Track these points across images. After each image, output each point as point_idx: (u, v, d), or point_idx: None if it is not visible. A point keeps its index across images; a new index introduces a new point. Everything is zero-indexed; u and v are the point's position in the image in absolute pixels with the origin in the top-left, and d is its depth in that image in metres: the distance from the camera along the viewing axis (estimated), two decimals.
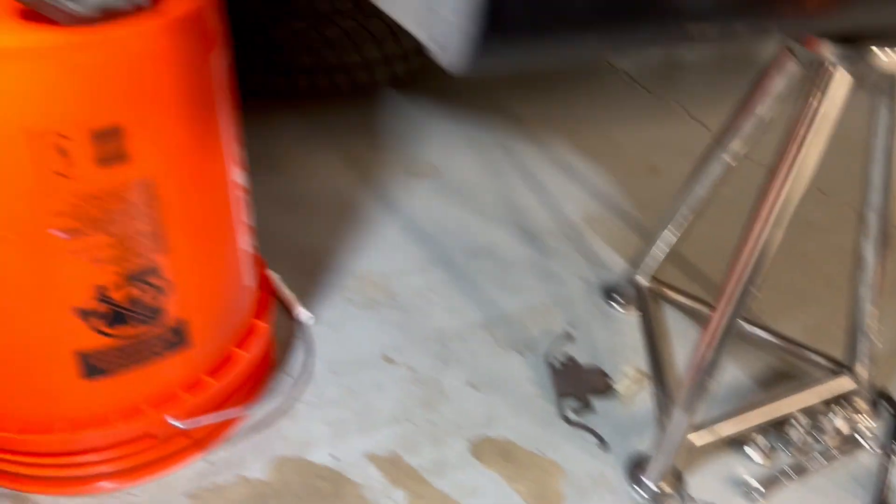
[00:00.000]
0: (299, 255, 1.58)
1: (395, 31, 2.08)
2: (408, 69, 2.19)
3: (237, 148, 1.08)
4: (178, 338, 1.04)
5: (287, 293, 1.45)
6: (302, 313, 1.42)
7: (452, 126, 2.11)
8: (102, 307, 0.94)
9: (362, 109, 2.16)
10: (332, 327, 1.42)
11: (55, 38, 0.78)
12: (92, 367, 0.98)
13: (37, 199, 0.84)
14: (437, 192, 1.84)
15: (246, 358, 1.17)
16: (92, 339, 0.96)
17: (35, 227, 0.86)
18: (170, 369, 1.06)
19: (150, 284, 0.97)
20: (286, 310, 1.44)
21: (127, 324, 0.98)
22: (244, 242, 1.15)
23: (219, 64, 0.97)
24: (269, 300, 1.28)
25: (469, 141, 2.05)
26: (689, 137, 2.13)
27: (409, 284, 1.54)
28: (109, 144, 0.85)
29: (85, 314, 0.94)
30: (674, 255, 1.52)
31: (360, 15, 2.00)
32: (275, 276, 1.45)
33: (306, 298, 1.47)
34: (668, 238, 1.40)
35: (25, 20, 0.80)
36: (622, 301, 1.52)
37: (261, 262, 1.32)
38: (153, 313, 0.99)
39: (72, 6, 0.77)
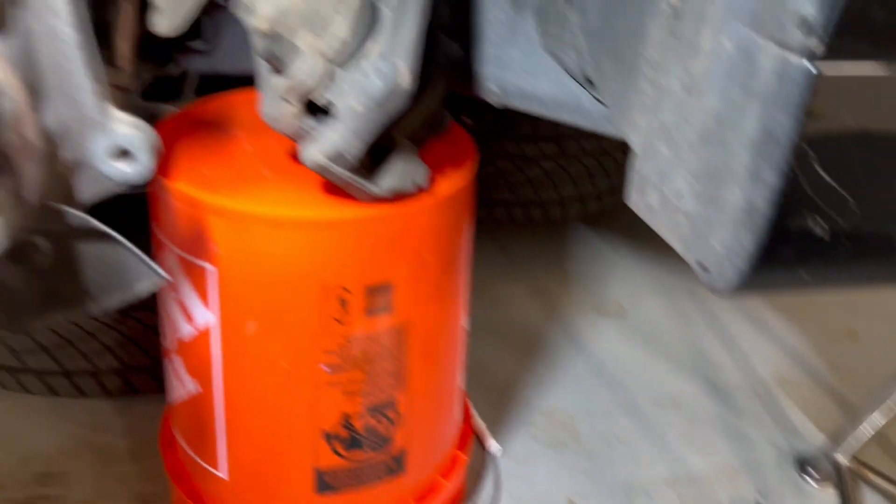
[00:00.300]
0: (488, 385, 1.67)
1: (591, 173, 2.20)
2: (600, 207, 2.29)
3: (468, 291, 1.20)
4: (397, 465, 1.15)
5: (480, 424, 1.53)
6: (493, 445, 1.49)
7: (642, 266, 2.16)
8: (344, 432, 1.07)
9: (553, 242, 2.27)
10: (517, 462, 1.48)
11: (353, 211, 0.94)
12: (325, 483, 1.10)
13: (315, 339, 0.98)
14: (623, 333, 1.88)
15: (449, 488, 1.25)
16: (330, 459, 1.08)
17: (308, 361, 1.00)
18: (385, 492, 1.16)
19: (386, 416, 1.09)
20: (477, 439, 1.52)
21: (360, 448, 1.09)
22: (461, 377, 1.26)
23: (470, 227, 1.11)
24: (469, 432, 1.37)
25: (658, 283, 2.09)
26: (892, 301, 2.04)
27: (596, 427, 1.58)
28: (379, 298, 0.99)
29: (329, 437, 1.07)
30: (880, 437, 1.45)
31: (562, 158, 2.14)
32: (471, 407, 1.54)
33: (493, 430, 1.54)
34: (875, 420, 1.36)
35: (328, 193, 0.97)
36: (817, 476, 1.47)
37: (464, 394, 1.42)
38: (383, 442, 1.11)
39: (371, 188, 0.92)
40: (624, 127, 0.86)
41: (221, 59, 1.22)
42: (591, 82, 0.97)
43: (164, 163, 0.99)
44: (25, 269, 0.71)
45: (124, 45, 1.01)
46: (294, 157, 1.05)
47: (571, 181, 2.20)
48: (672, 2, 0.75)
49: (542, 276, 2.09)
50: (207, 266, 0.96)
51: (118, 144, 0.72)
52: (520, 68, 1.06)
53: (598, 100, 0.99)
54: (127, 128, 0.72)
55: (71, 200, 0.74)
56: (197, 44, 1.18)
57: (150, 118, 1.22)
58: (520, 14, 1.05)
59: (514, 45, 1.06)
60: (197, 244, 0.96)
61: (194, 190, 0.94)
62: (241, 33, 1.14)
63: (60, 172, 0.71)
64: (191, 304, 1.00)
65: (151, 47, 1.15)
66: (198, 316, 1.00)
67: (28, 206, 0.58)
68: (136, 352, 1.47)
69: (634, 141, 0.83)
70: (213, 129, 1.11)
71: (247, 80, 1.21)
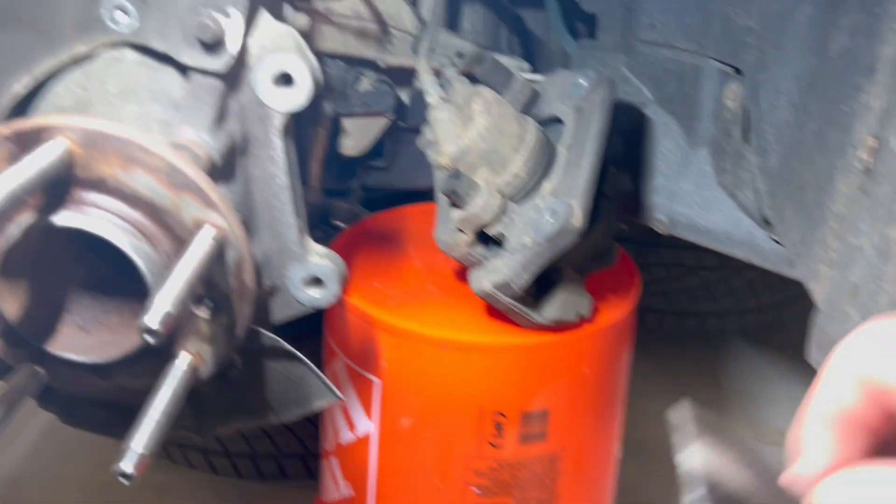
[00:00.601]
0: None
1: (754, 287, 2.10)
2: (761, 321, 2.18)
3: (623, 419, 1.17)
4: None
5: None
6: None
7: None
8: None
9: (708, 356, 2.16)
10: None
11: (514, 338, 0.96)
12: None
13: (468, 460, 0.99)
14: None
15: None
16: None
17: (459, 481, 1.01)
18: None
19: None
20: None
21: None
22: (610, 500, 1.22)
23: (629, 356, 1.09)
24: None
25: None
26: None
27: None
28: (535, 424, 0.99)
29: None
30: None
31: (723, 269, 2.07)
32: None
33: None
34: None
35: (491, 317, 0.99)
36: None
37: None
38: None
39: (535, 317, 0.94)
40: (805, 275, 0.83)
41: (397, 175, 1.30)
42: (768, 223, 0.95)
43: None
44: (219, 381, 0.77)
45: (316, 167, 1.11)
46: (461, 275, 1.09)
47: (731, 293, 2.11)
48: (863, 158, 0.73)
49: (694, 394, 1.99)
50: (373, 378, 1.00)
51: (313, 274, 0.78)
52: (691, 201, 1.06)
53: (774, 240, 0.96)
54: (321, 259, 0.78)
55: (265, 321, 0.81)
56: (378, 161, 1.27)
57: (326, 213, 1.32)
58: (694, 148, 1.05)
59: (685, 178, 1.06)
60: (365, 356, 1.01)
61: (366, 305, 1.00)
62: (417, 153, 1.21)
63: (259, 297, 0.78)
64: (354, 412, 1.04)
65: (337, 164, 1.25)
66: (359, 424, 1.04)
67: (236, 341, 0.65)
68: (291, 440, 1.54)
69: (817, 294, 0.79)
70: (386, 243, 1.18)
71: (417, 195, 1.28)
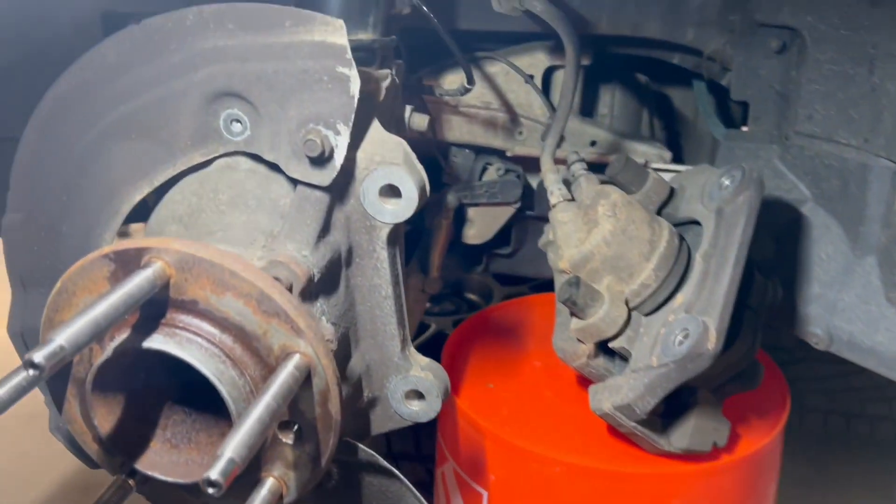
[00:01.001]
0: None
1: None
2: None
3: None
4: None
5: None
6: None
7: None
8: None
9: (879, 466, 1.90)
10: None
11: (635, 465, 0.86)
12: None
13: None
14: None
15: None
16: None
17: None
18: None
19: None
20: None
21: None
22: None
23: (775, 485, 0.96)
24: None
25: None
26: None
27: None
28: None
29: None
30: None
31: None
32: None
33: None
34: None
35: (613, 436, 0.90)
36: None
37: None
38: None
39: (661, 444, 0.84)
40: None
41: (523, 262, 1.25)
42: None
43: (455, 373, 1.01)
44: (316, 490, 0.74)
45: (437, 257, 1.08)
46: (583, 382, 1.00)
47: None
48: None
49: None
50: (481, 490, 0.94)
51: (414, 387, 0.74)
52: (853, 315, 0.92)
53: None
54: (423, 372, 0.74)
55: (364, 433, 0.77)
56: (503, 249, 1.23)
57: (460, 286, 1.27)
58: (859, 256, 0.92)
59: (848, 289, 0.92)
60: (474, 465, 0.95)
61: (478, 413, 0.94)
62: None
63: (357, 409, 0.75)
64: None
65: (462, 251, 1.22)
66: None
67: (319, 470, 0.62)
68: None
69: None
70: (506, 336, 1.12)
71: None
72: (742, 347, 0.86)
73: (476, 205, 1.10)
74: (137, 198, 0.70)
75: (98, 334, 0.50)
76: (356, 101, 0.64)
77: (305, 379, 0.57)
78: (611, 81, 1.17)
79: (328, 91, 0.64)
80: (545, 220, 1.11)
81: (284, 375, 0.54)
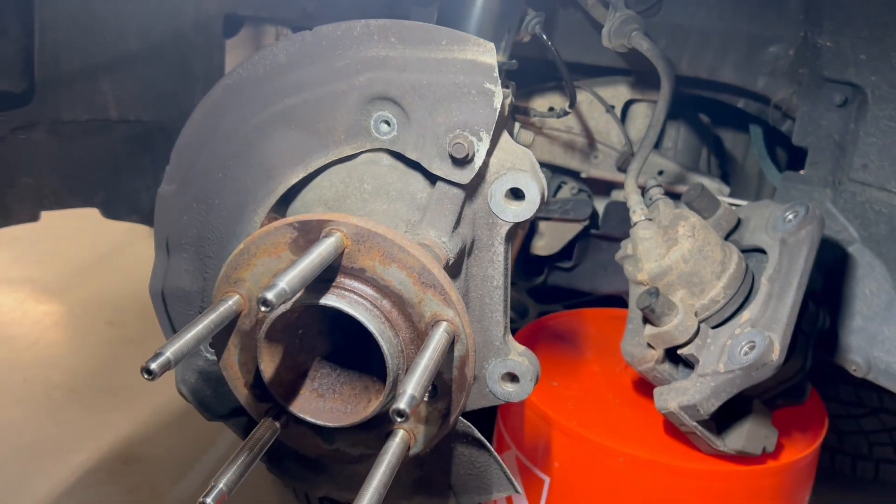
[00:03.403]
0: None
1: None
2: None
3: None
4: None
5: None
6: None
7: None
8: None
9: None
10: None
11: (689, 461, 0.95)
12: None
13: None
14: None
15: None
16: None
17: None
18: None
19: None
20: None
21: None
22: None
23: (808, 494, 1.05)
24: None
25: None
26: None
27: None
28: None
29: None
30: None
31: None
32: None
33: None
34: None
35: (668, 433, 0.99)
36: None
37: None
38: None
39: (717, 444, 0.93)
40: None
41: (581, 277, 1.34)
42: None
43: None
44: (410, 457, 0.83)
45: (509, 264, 1.18)
46: (638, 387, 1.10)
47: None
48: None
49: None
50: (543, 476, 1.03)
51: (511, 370, 0.83)
52: (893, 347, 1.02)
53: None
54: (520, 357, 0.83)
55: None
56: (565, 263, 1.32)
57: None
58: None
59: (889, 323, 1.02)
60: (537, 453, 1.04)
61: (546, 404, 1.03)
62: (603, 259, 1.25)
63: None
64: None
65: (527, 260, 1.32)
66: None
67: (447, 426, 0.71)
68: None
69: None
70: (565, 343, 1.22)
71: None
72: (795, 365, 0.96)
73: (548, 219, 1.20)
74: (293, 181, 0.79)
75: (305, 284, 0.60)
76: (497, 113, 0.74)
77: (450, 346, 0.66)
78: (677, 118, 1.28)
79: (475, 103, 0.74)
80: (607, 238, 1.22)
81: (438, 336, 0.63)
